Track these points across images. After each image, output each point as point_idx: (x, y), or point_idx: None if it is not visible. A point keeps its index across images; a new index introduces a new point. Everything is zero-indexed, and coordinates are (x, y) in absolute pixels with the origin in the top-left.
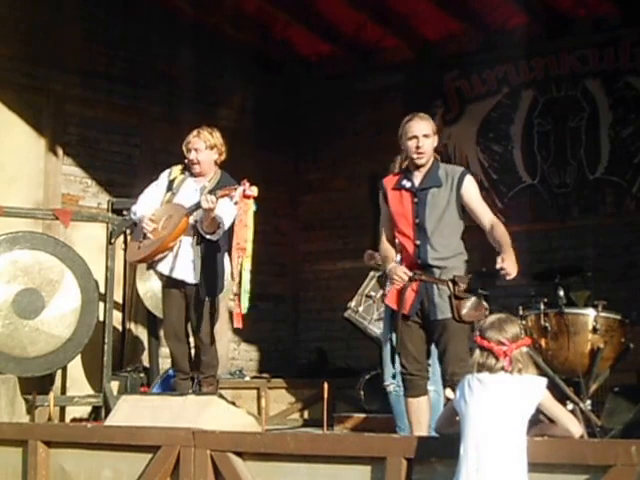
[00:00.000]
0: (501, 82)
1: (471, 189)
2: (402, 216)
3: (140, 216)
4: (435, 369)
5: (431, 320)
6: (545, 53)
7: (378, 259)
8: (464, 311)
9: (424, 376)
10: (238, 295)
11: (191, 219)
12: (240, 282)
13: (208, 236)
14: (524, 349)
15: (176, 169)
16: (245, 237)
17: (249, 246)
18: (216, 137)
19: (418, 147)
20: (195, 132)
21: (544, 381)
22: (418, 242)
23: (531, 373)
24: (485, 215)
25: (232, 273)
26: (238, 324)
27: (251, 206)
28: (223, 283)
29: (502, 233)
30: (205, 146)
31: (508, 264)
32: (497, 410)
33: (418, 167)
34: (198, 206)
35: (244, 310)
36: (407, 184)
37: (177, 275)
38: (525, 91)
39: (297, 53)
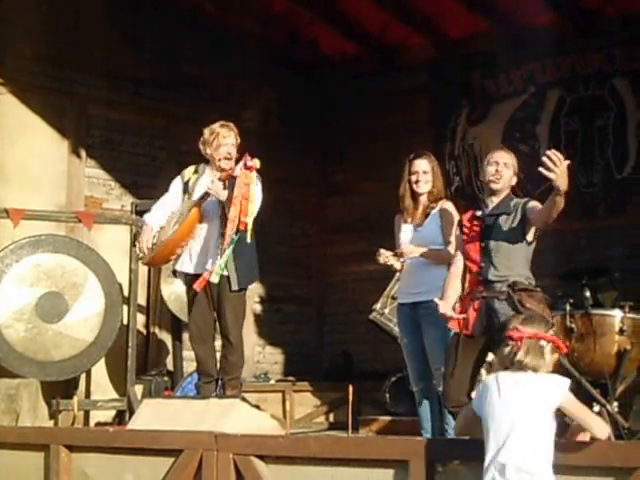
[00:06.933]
0: (527, 81)
1: (534, 203)
2: (471, 242)
3: (146, 225)
4: None
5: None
6: (572, 52)
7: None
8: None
9: None
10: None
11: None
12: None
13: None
14: (544, 343)
15: (188, 171)
16: (247, 211)
17: (250, 220)
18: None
19: (497, 171)
20: (219, 125)
21: (566, 382)
22: (482, 263)
23: (547, 369)
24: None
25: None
26: (198, 285)
27: (253, 179)
28: (255, 273)
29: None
30: (236, 142)
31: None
32: (519, 410)
33: (492, 194)
34: (206, 194)
35: (213, 279)
36: (479, 213)
37: (200, 271)
38: (552, 90)
39: (322, 53)
